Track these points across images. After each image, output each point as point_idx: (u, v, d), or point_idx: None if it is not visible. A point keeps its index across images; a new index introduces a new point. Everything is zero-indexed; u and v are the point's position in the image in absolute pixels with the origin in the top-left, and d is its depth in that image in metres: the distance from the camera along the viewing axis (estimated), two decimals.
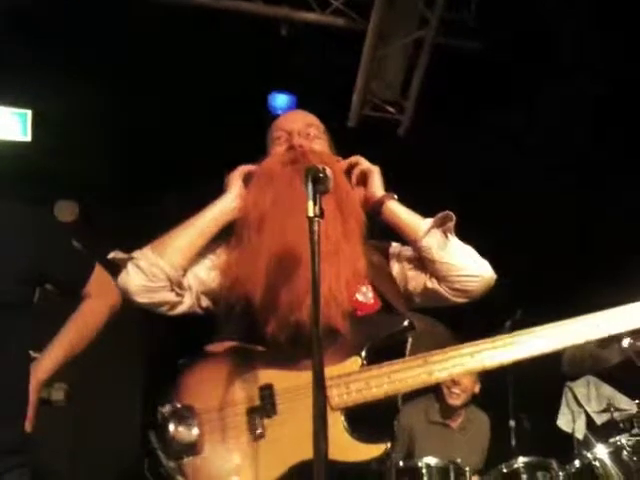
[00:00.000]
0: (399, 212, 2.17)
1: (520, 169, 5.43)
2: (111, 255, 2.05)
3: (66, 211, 5.77)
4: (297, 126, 2.25)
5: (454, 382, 4.34)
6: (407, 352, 1.96)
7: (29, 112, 5.23)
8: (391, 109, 5.29)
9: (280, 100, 5.21)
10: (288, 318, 1.89)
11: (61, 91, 4.99)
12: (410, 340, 1.97)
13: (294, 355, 1.86)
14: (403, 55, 5.03)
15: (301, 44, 4.95)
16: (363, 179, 2.23)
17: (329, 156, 2.23)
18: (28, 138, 5.24)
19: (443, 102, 5.26)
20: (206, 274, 2.11)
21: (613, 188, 5.28)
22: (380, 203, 2.17)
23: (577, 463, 3.73)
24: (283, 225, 2.00)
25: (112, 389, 5.15)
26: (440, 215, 2.11)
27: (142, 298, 2.00)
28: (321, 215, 1.66)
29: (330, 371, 1.78)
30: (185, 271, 2.05)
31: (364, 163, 2.25)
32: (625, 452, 3.63)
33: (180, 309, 2.06)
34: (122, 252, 2.05)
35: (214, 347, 1.98)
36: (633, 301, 1.93)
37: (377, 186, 2.21)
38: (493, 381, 4.18)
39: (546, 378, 4.50)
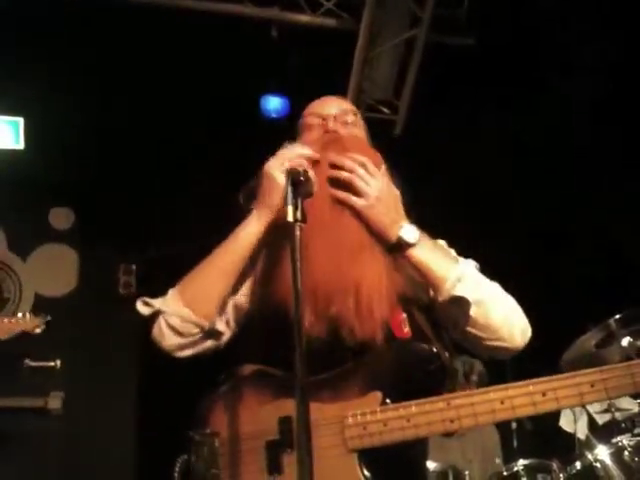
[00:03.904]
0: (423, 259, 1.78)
1: (518, 168, 5.39)
2: (139, 307, 1.83)
3: (61, 218, 5.74)
4: (333, 111, 1.99)
5: None
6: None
7: (21, 120, 5.21)
8: (385, 109, 5.24)
9: (273, 102, 5.17)
10: (327, 310, 1.73)
11: (52, 98, 4.97)
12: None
13: (315, 382, 1.68)
14: (396, 54, 4.98)
15: (292, 45, 4.91)
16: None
17: (368, 146, 1.97)
18: (21, 146, 5.22)
19: (438, 100, 5.21)
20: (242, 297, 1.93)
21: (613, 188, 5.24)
22: (400, 248, 1.79)
23: (578, 465, 3.65)
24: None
25: (107, 399, 5.10)
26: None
27: (181, 354, 1.85)
28: (303, 220, 1.54)
29: (347, 407, 1.70)
30: (222, 309, 1.87)
31: (345, 168, 1.81)
32: (626, 453, 3.56)
33: (221, 345, 1.91)
34: (147, 298, 1.84)
35: (241, 370, 1.87)
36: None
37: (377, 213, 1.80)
38: (492, 382, 4.12)
39: None
